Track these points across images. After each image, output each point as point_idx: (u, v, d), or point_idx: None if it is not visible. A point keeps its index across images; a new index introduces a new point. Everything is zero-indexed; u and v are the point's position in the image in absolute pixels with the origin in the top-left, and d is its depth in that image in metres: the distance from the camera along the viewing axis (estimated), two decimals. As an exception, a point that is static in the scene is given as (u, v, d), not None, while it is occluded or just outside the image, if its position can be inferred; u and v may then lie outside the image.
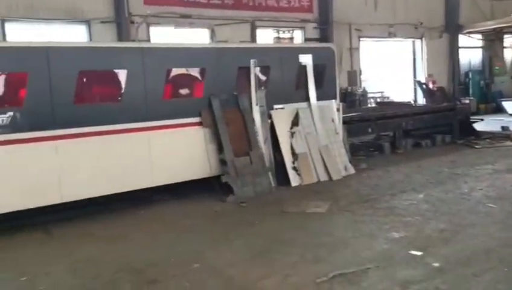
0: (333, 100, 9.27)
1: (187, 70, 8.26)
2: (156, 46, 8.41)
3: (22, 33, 11.80)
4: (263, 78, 8.39)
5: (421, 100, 17.88)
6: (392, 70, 18.55)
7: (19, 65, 6.45)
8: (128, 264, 5.04)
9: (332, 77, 9.40)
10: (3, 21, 11.57)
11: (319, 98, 8.96)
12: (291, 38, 15.01)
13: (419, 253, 4.93)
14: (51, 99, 6.49)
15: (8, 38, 11.51)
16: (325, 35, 15.81)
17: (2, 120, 6.21)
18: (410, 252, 4.98)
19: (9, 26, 11.71)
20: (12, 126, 6.26)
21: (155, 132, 7.34)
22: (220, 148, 7.82)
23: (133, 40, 12.06)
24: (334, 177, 8.56)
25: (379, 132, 11.68)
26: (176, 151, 7.52)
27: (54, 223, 6.56)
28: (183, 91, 8.46)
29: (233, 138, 7.85)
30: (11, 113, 6.28)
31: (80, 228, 6.41)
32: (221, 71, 7.97)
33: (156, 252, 5.37)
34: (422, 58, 18.92)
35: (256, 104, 8.18)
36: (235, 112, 8.06)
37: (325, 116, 8.99)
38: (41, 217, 6.63)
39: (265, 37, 14.92)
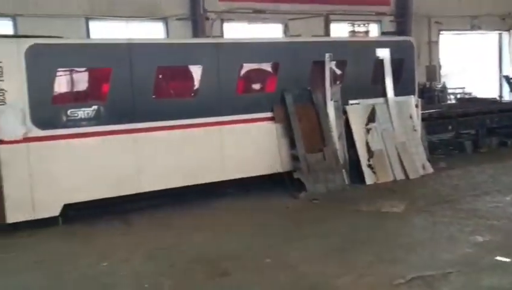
0: (411, 96, 8.88)
1: (260, 65, 8.28)
2: (230, 42, 8.50)
3: (104, 30, 12.45)
4: (338, 72, 8.20)
5: (508, 96, 16.73)
6: (474, 64, 17.50)
7: (103, 61, 6.78)
8: (201, 254, 5.13)
9: (411, 72, 9.02)
10: (88, 19, 12.26)
11: (396, 94, 8.62)
12: (367, 32, 14.57)
13: (507, 259, 4.59)
14: (132, 94, 6.76)
15: (92, 35, 12.18)
16: (402, 29, 15.24)
17: (87, 113, 6.56)
18: (496, 258, 4.65)
19: (93, 24, 12.38)
20: (96, 119, 6.60)
21: (227, 126, 7.42)
22: (292, 144, 7.76)
23: (208, 36, 12.30)
24: (411, 176, 8.21)
25: (460, 130, 11.05)
26: (248, 146, 7.56)
27: (132, 213, 6.84)
28: (256, 86, 8.50)
29: (306, 133, 7.75)
30: (95, 107, 6.62)
31: (156, 218, 6.62)
32: (294, 66, 7.89)
33: (228, 245, 5.43)
34: (510, 52, 17.68)
35: (331, 99, 8.02)
36: (308, 107, 7.95)
37: (402, 113, 8.64)
38: (120, 206, 6.95)
39: (340, 31, 14.62)
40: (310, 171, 7.54)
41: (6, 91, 6.09)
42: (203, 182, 7.24)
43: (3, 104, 6.09)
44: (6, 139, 6.13)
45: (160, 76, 7.17)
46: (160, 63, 7.03)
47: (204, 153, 7.24)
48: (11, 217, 6.15)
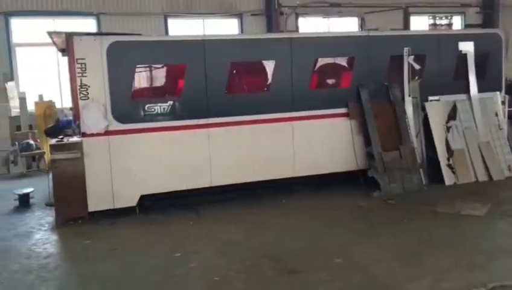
0: (497, 92, 8.28)
1: (335, 59, 8.09)
2: (304, 36, 8.38)
3: (182, 28, 12.83)
4: (417, 67, 7.81)
5: None
6: None
7: (179, 57, 6.95)
8: (271, 251, 5.10)
9: (498, 67, 8.39)
10: (166, 17, 12.69)
11: (480, 90, 8.07)
12: (449, 25, 13.82)
13: None
14: (206, 90, 6.87)
15: (170, 33, 12.59)
16: (488, 21, 14.26)
17: (163, 108, 6.77)
18: None
19: (171, 22, 12.80)
20: (172, 114, 6.79)
21: (300, 122, 7.33)
22: (367, 141, 7.52)
23: (282, 31, 12.26)
24: (495, 177, 7.66)
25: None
26: (320, 142, 7.43)
27: (204, 205, 6.97)
28: (330, 81, 8.33)
29: (381, 130, 7.47)
30: (171, 102, 6.81)
31: (226, 212, 6.69)
32: (371, 60, 7.63)
33: (298, 242, 5.35)
34: None
35: (409, 95, 7.67)
36: (384, 103, 7.65)
37: (487, 110, 8.08)
38: (193, 199, 7.11)
39: (420, 24, 13.98)
40: (385, 170, 7.26)
41: (89, 87, 6.43)
42: (274, 178, 7.23)
43: (86, 99, 6.43)
44: (88, 132, 6.47)
45: (233, 71, 7.24)
46: (234, 59, 7.08)
47: (275, 149, 7.21)
48: (92, 206, 6.50)
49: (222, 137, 6.95)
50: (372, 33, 8.14)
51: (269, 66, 7.40)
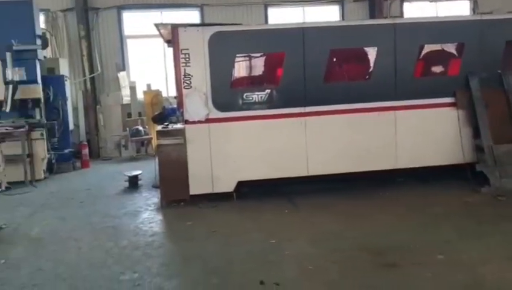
0: None
1: (442, 46, 7.60)
2: (409, 22, 7.95)
3: (281, 16, 12.86)
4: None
5: None
6: None
7: (278, 46, 6.96)
8: (368, 243, 4.96)
9: None
10: (266, 6, 12.79)
11: None
12: None
13: None
14: (304, 78, 6.82)
15: (269, 21, 12.68)
16: None
17: (261, 97, 6.84)
18: None
19: (271, 11, 12.89)
20: (269, 102, 6.85)
21: (403, 111, 7.01)
22: (476, 133, 7.00)
23: (385, 17, 11.77)
24: None
25: None
26: (425, 133, 7.06)
27: (299, 194, 6.96)
28: (437, 69, 7.85)
29: (493, 121, 6.91)
30: (268, 91, 6.87)
31: (322, 202, 6.62)
32: (483, 46, 7.06)
33: (398, 236, 5.14)
34: None
35: (526, 84, 6.99)
36: (497, 92, 7.07)
37: None
38: (288, 188, 7.13)
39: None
40: (496, 164, 6.71)
41: (192, 76, 6.69)
42: (373, 169, 7.01)
43: (189, 88, 6.70)
44: (191, 120, 6.75)
45: (333, 59, 7.10)
46: (333, 46, 6.94)
47: (376, 139, 6.99)
48: (194, 190, 6.79)
49: (319, 126, 6.87)
50: (485, 17, 7.52)
51: (371, 53, 7.15)
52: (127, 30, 12.81)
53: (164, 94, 12.33)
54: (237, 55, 6.95)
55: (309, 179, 6.98)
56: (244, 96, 6.81)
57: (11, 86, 9.02)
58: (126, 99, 12.34)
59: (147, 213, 6.62)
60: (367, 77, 7.24)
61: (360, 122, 6.94)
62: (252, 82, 7.31)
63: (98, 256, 5.02)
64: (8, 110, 9.05)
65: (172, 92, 12.11)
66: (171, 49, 8.25)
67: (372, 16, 12.41)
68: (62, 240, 5.63)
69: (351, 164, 6.95)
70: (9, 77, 9.05)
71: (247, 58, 7.31)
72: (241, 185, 6.88)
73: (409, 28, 7.16)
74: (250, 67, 7.44)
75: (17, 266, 4.84)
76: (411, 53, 7.04)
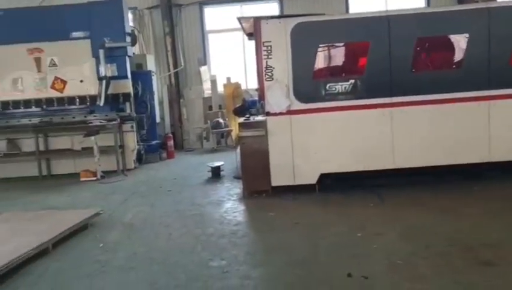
0: None
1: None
2: (506, 5, 7.41)
3: (362, 4, 12.53)
4: None
5: None
6: None
7: (362, 35, 6.81)
8: (460, 239, 4.73)
9: None
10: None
11: None
12: None
13: None
14: (389, 67, 6.62)
15: (351, 10, 12.42)
16: None
17: (345, 87, 6.74)
18: None
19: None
20: (353, 93, 6.72)
21: (497, 101, 6.59)
22: None
23: (476, 1, 11.07)
24: None
25: None
26: (522, 124, 6.59)
27: (384, 188, 6.79)
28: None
29: None
30: (352, 81, 6.74)
31: (410, 196, 6.41)
32: None
33: (492, 233, 4.85)
34: None
35: None
36: None
37: None
38: (373, 181, 6.98)
39: None
40: None
41: (273, 68, 6.73)
42: (464, 162, 6.67)
43: (271, 80, 6.74)
44: (272, 111, 6.79)
45: (420, 47, 6.80)
46: (421, 34, 6.66)
47: (467, 130, 6.65)
48: (275, 181, 6.85)
49: (407, 117, 6.64)
50: None
51: (461, 40, 6.77)
52: (208, 25, 13.14)
53: (243, 87, 12.53)
54: (320, 45, 6.88)
55: (395, 171, 6.78)
56: (327, 87, 6.74)
57: (104, 82, 9.62)
58: (207, 92, 12.70)
59: (230, 203, 6.79)
60: (457, 65, 6.86)
61: (450, 112, 6.62)
62: (335, 72, 7.19)
63: (187, 242, 5.23)
64: (101, 104, 9.67)
65: (252, 85, 12.34)
66: (251, 42, 8.40)
67: (460, 1, 11.74)
68: (153, 226, 5.94)
69: (439, 157, 6.66)
70: (102, 73, 9.66)
71: (330, 49, 7.21)
72: (323, 177, 6.83)
73: (505, 13, 6.68)
74: (333, 58, 7.32)
75: (114, 250, 5.17)
76: (507, 39, 6.58)
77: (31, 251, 4.92)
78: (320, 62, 7.15)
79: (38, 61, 10.02)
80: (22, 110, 10.17)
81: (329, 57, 7.29)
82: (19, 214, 6.76)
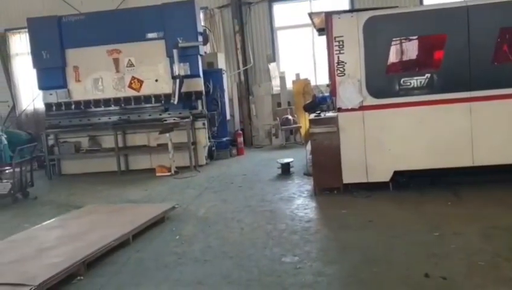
0: None
1: None
2: None
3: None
4: None
5: None
6: None
7: (438, 27, 6.55)
8: (549, 243, 4.44)
9: None
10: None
11: None
12: None
13: None
14: (469, 60, 6.31)
15: (425, 1, 11.95)
16: None
17: (420, 82, 6.51)
18: None
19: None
20: (429, 88, 6.48)
21: None
22: None
23: None
24: None
25: None
26: None
27: (462, 185, 6.51)
28: None
29: None
30: (428, 75, 6.50)
31: (490, 194, 6.11)
32: None
33: None
34: None
35: None
36: None
37: None
38: (450, 178, 6.70)
39: None
40: None
41: (345, 63, 6.63)
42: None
43: (343, 76, 6.66)
44: (344, 107, 6.70)
45: (502, 39, 6.43)
46: (504, 24, 6.28)
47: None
48: (347, 178, 6.76)
49: (487, 112, 6.30)
50: None
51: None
52: (277, 22, 13.19)
53: (313, 83, 12.46)
54: (393, 39, 6.70)
55: (473, 169, 6.46)
56: (402, 82, 6.54)
57: (177, 80, 9.95)
58: (276, 89, 12.75)
59: (301, 199, 6.79)
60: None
61: (536, 107, 6.20)
62: (409, 67, 6.98)
63: (259, 237, 5.31)
64: (175, 102, 10.02)
65: (321, 81, 12.24)
66: (321, 38, 8.33)
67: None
68: (226, 221, 6.08)
69: (524, 154, 6.26)
70: (176, 72, 10.00)
71: (404, 42, 6.99)
72: (397, 174, 6.65)
73: None
74: (408, 51, 7.10)
75: (189, 242, 5.36)
76: None
77: (114, 242, 5.22)
78: (394, 56, 6.97)
79: (116, 62, 10.56)
80: (102, 108, 10.76)
81: (404, 51, 7.08)
82: (101, 206, 7.18)
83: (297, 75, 12.44)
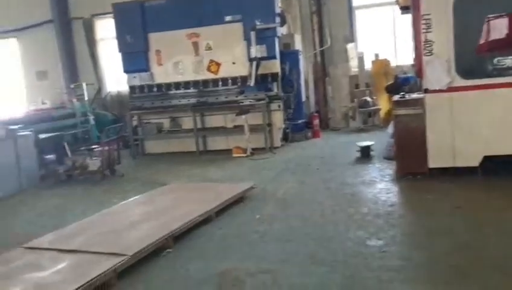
0: None
1: None
2: None
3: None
4: None
5: None
6: None
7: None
8: None
9: None
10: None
11: None
12: None
13: None
14: None
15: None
16: None
17: (513, 62, 6.08)
18: None
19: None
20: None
21: None
22: None
23: None
24: None
25: None
26: None
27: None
28: None
29: None
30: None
31: None
32: None
33: None
34: None
35: None
36: None
37: None
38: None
39: None
40: None
41: (433, 42, 6.33)
42: None
43: (430, 55, 6.35)
44: (431, 88, 6.41)
45: None
46: None
47: None
48: (432, 163, 6.49)
49: None
50: None
51: None
52: (356, 1, 12.82)
53: (393, 63, 12.04)
54: (487, 16, 6.27)
55: None
56: (495, 62, 6.14)
57: (254, 63, 10.00)
58: (354, 70, 12.46)
59: (383, 184, 6.62)
60: None
61: None
62: (504, 45, 6.51)
63: (341, 220, 5.25)
64: (252, 84, 10.09)
65: (401, 61, 11.80)
66: (403, 17, 8.01)
67: None
68: (305, 202, 6.08)
69: None
70: (253, 54, 10.05)
71: (499, 19, 6.52)
72: (487, 160, 6.28)
73: None
74: (503, 29, 6.62)
75: (270, 222, 5.42)
76: None
77: (199, 217, 5.40)
78: (487, 35, 6.51)
79: (195, 45, 10.78)
80: (181, 91, 11.08)
81: (498, 29, 6.60)
82: (184, 184, 7.45)
83: (377, 55, 12.06)
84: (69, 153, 9.61)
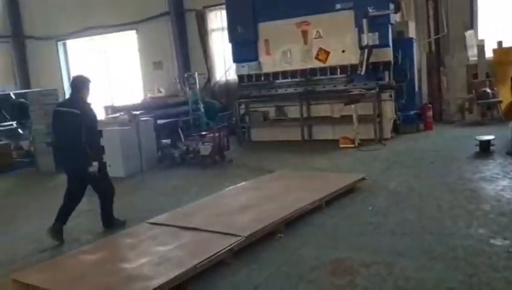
0: None
1: None
2: None
3: None
4: None
5: None
6: None
7: None
8: None
9: None
10: None
11: None
12: None
13: None
14: None
15: None
16: None
17: None
18: None
19: None
20: None
21: None
22: None
23: None
24: None
25: None
26: None
27: None
28: None
29: None
30: None
31: None
32: None
33: None
34: None
35: None
36: None
37: None
38: None
39: None
40: None
41: None
42: None
43: None
44: None
45: None
46: None
47: None
48: None
49: None
50: None
51: None
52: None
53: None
54: None
55: None
56: None
57: (366, 51, 9.74)
58: (472, 59, 11.59)
59: (506, 180, 6.12)
60: None
61: None
62: None
63: (461, 216, 4.96)
64: (363, 72, 9.84)
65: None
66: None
67: None
68: (420, 196, 5.82)
69: None
70: (364, 42, 9.79)
71: None
72: None
73: None
74: None
75: (383, 214, 5.27)
76: None
77: (309, 205, 5.42)
78: None
79: (305, 34, 10.74)
80: (288, 80, 11.13)
81: None
82: (292, 172, 7.51)
83: (500, 43, 11.09)
84: (182, 138, 10.16)
